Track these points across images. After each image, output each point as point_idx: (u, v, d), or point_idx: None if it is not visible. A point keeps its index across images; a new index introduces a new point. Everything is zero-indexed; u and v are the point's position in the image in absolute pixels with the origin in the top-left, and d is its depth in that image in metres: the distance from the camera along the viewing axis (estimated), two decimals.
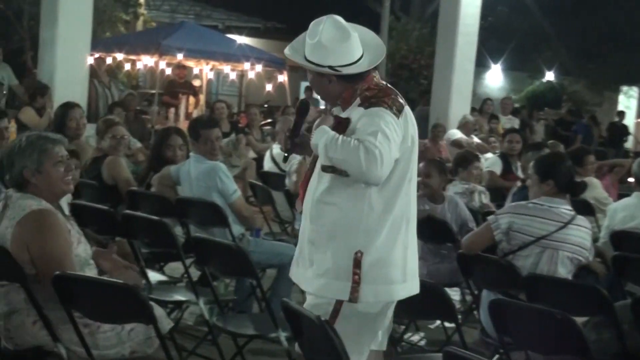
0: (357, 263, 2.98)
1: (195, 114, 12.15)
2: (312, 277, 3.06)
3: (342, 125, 2.99)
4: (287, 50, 3.10)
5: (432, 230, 5.16)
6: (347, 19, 3.07)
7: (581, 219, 4.28)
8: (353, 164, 2.84)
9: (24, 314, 3.26)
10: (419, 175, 3.39)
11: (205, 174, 5.20)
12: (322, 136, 2.92)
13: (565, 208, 4.26)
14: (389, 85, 3.10)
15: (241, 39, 16.86)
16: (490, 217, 4.44)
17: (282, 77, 14.54)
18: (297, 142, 3.16)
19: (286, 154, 3.23)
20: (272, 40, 22.14)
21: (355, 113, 2.99)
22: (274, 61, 14.44)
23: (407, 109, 3.03)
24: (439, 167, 5.70)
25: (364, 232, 2.99)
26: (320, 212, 3.03)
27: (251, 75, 14.78)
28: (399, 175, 3.01)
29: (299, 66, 3.10)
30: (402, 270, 3.06)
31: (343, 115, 3.04)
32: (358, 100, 3.01)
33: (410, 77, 18.00)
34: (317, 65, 3.01)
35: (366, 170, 2.83)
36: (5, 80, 9.24)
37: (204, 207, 5.13)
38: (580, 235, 4.22)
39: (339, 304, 3.02)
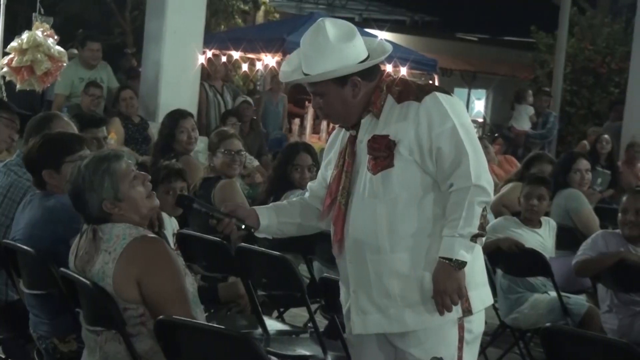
0: None
1: (325, 125, 12.26)
2: (414, 312, 3.20)
3: (388, 147, 3.19)
4: (285, 75, 3.49)
5: (629, 277, 5.15)
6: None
7: None
8: (481, 200, 3.14)
9: None
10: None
11: None
12: (460, 247, 3.13)
13: None
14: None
15: (382, 35, 16.95)
16: None
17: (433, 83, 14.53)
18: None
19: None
20: (421, 37, 22.17)
21: (401, 111, 3.21)
22: (423, 62, 14.39)
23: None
24: None
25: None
26: (396, 238, 3.21)
27: None
28: None
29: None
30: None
31: (380, 121, 3.24)
32: (390, 98, 3.26)
33: (596, 85, 17.56)
34: (342, 69, 3.20)
35: (488, 186, 3.17)
36: (105, 81, 9.61)
37: None
38: None
39: (461, 330, 3.19)
